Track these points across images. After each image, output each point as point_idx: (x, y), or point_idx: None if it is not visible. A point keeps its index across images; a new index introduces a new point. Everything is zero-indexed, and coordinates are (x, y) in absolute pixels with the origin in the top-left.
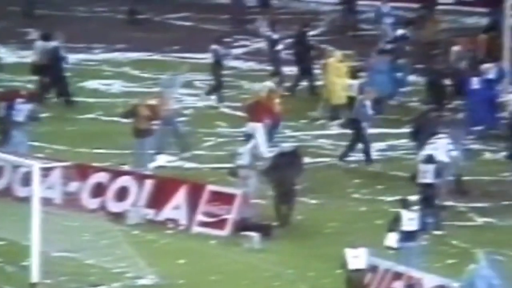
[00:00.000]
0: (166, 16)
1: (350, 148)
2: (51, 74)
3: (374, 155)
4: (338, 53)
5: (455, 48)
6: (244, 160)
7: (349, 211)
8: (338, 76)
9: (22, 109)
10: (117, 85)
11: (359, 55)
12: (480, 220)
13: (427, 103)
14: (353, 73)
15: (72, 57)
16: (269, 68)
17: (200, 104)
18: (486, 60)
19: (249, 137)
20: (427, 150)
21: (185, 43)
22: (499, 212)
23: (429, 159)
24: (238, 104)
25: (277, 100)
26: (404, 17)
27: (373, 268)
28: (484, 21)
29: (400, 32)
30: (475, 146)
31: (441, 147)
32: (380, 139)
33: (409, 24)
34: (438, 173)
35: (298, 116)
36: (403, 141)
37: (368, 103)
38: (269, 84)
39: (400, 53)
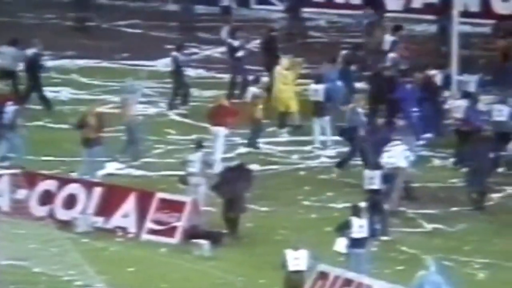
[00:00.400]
0: (114, 23)
1: (350, 156)
2: (30, 81)
3: (325, 162)
4: (285, 61)
5: (391, 55)
6: (194, 168)
7: (299, 218)
8: (285, 84)
9: (9, 112)
10: (65, 92)
11: (308, 62)
12: (429, 226)
13: (373, 111)
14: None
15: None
16: (219, 75)
17: (150, 111)
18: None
19: (199, 144)
20: (384, 158)
21: (134, 50)
22: (448, 218)
23: (376, 165)
24: (187, 112)
25: (260, 106)
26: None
27: (323, 275)
28: (432, 28)
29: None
30: (424, 153)
31: (397, 154)
32: (330, 146)
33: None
34: (388, 179)
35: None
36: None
37: (360, 110)
38: (253, 89)
39: (351, 60)
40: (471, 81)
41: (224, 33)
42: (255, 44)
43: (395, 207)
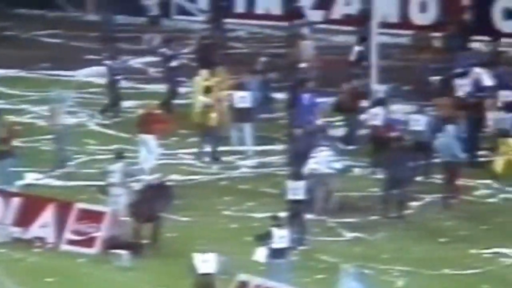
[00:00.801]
0: (34, 33)
1: None
2: None
3: (246, 172)
4: (204, 71)
5: (302, 65)
6: (114, 178)
7: (220, 228)
8: (203, 95)
9: None
10: None
11: (230, 73)
12: (349, 235)
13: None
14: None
15: None
16: (138, 86)
17: (70, 121)
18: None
19: (119, 155)
20: (309, 164)
21: (54, 60)
22: (368, 227)
23: (297, 175)
24: (107, 122)
25: (213, 115)
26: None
27: (243, 284)
28: (352, 39)
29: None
30: (344, 162)
31: (323, 160)
32: (251, 156)
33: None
34: (312, 188)
35: (170, 134)
36: (273, 158)
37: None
38: (203, 99)
39: (269, 69)
40: (383, 90)
41: (152, 42)
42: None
43: (321, 213)
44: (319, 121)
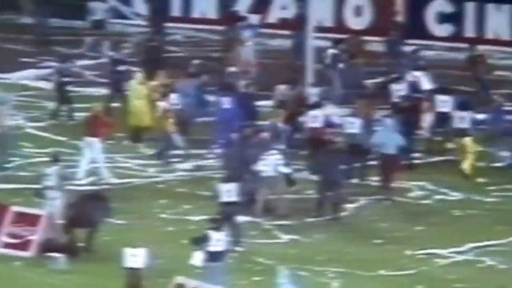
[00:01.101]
0: None
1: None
2: None
3: (182, 175)
4: (140, 75)
5: (231, 69)
6: (50, 181)
7: (156, 231)
8: (139, 98)
9: None
10: None
11: (167, 76)
12: (285, 237)
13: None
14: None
15: None
16: (76, 89)
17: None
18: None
19: (55, 158)
20: (259, 166)
21: None
22: (304, 229)
23: (229, 178)
24: (43, 125)
25: (171, 120)
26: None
27: (180, 287)
28: (288, 43)
29: None
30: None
31: (272, 162)
32: (186, 159)
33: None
34: (256, 191)
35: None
36: (210, 161)
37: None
38: (163, 104)
39: (203, 72)
40: (317, 93)
41: (103, 47)
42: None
43: (283, 211)
44: (267, 124)
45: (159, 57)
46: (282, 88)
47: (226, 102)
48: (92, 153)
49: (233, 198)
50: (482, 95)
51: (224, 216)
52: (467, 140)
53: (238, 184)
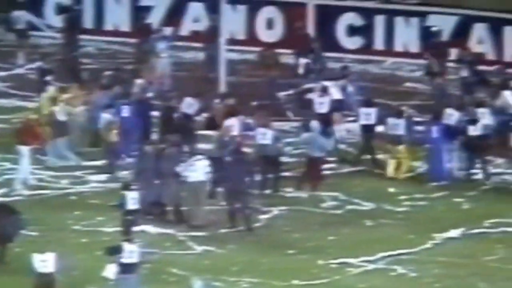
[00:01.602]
0: None
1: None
2: None
3: (95, 186)
4: (52, 87)
5: (138, 81)
6: None
7: (70, 242)
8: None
9: None
10: None
11: (80, 89)
12: (199, 248)
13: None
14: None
15: None
16: None
17: None
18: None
19: None
20: (187, 172)
21: None
22: (217, 240)
23: (126, 187)
24: None
25: (114, 131)
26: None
27: None
28: (200, 55)
29: None
30: None
31: (200, 168)
32: (100, 171)
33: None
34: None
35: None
36: (124, 172)
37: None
38: (106, 116)
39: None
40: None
41: (19, 58)
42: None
43: (202, 221)
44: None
45: (75, 70)
46: (188, 100)
47: (125, 111)
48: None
49: (135, 206)
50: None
51: (127, 223)
52: (401, 147)
53: (143, 193)
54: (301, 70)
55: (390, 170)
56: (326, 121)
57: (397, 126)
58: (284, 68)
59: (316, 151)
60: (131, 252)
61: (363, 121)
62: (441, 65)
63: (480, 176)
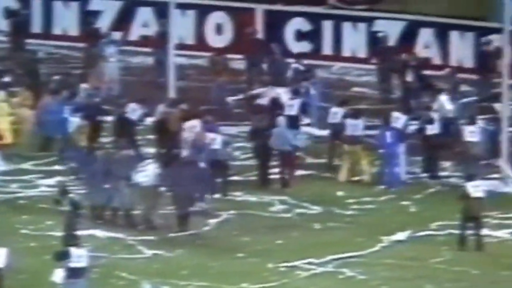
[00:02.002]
0: None
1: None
2: None
3: (45, 191)
4: (1, 93)
5: (83, 85)
6: None
7: (19, 247)
8: (1, 115)
9: None
10: None
11: (34, 93)
12: (148, 252)
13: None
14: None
15: None
16: None
17: None
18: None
19: None
20: (139, 177)
21: None
22: (167, 244)
23: (64, 192)
24: None
25: (84, 136)
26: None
27: None
28: (149, 60)
29: None
30: None
31: (150, 172)
32: (49, 175)
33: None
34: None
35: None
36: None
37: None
38: (76, 120)
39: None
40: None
41: None
42: None
43: (150, 225)
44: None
45: (33, 73)
46: (132, 105)
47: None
48: None
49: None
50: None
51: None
52: (358, 147)
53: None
54: (250, 75)
55: (342, 175)
56: (294, 123)
57: (356, 126)
58: (235, 73)
59: (286, 145)
60: (79, 257)
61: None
62: (390, 70)
63: (427, 178)
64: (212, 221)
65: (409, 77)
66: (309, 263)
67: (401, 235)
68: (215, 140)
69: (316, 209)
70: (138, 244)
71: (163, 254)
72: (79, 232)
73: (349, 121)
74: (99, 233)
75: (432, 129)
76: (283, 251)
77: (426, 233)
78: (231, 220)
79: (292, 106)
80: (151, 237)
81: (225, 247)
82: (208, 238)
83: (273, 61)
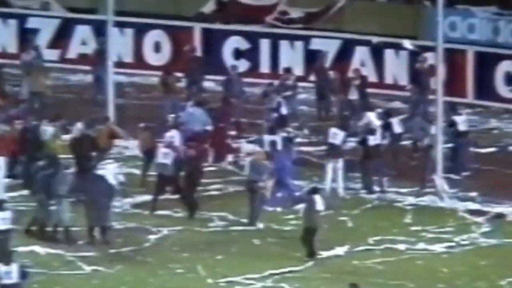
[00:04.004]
0: None
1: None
2: None
3: None
4: None
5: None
6: None
7: None
8: None
9: None
10: None
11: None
12: (88, 268)
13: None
14: None
15: None
16: None
17: None
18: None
19: None
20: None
21: None
22: (106, 260)
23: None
24: None
25: (60, 143)
26: None
27: None
28: (88, 78)
29: None
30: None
31: (110, 172)
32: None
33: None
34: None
35: None
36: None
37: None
38: (51, 129)
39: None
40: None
41: None
42: None
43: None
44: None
45: None
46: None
47: None
48: None
49: (7, 225)
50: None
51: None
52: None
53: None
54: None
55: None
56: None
57: (336, 136)
58: (175, 91)
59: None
60: (7, 273)
61: None
62: (327, 88)
63: (364, 193)
64: (152, 237)
65: (352, 95)
66: (248, 278)
67: (339, 250)
68: (167, 155)
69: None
70: (78, 260)
71: (102, 270)
72: (13, 249)
73: (332, 130)
74: (39, 249)
75: (375, 140)
76: (222, 266)
77: (364, 247)
78: (171, 236)
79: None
80: (91, 253)
81: (164, 263)
82: (148, 254)
83: (229, 80)
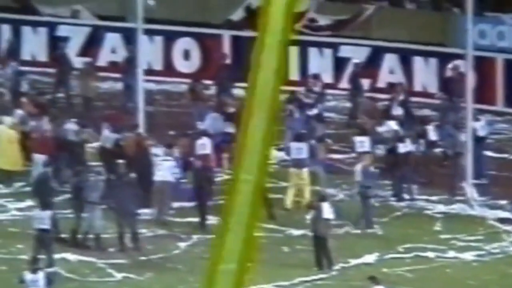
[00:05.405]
0: None
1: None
2: None
3: (16, 214)
4: None
5: (19, 111)
6: None
7: None
8: None
9: None
10: None
11: None
12: (119, 275)
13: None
14: None
15: None
16: None
17: None
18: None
19: None
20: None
21: None
22: (137, 267)
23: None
24: None
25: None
26: None
27: None
28: (118, 85)
29: None
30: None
31: (166, 168)
32: (19, 199)
33: None
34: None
35: None
36: None
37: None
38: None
39: None
40: None
41: None
42: None
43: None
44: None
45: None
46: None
47: None
48: None
49: (46, 225)
50: None
51: (38, 243)
52: (304, 172)
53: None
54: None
55: (288, 201)
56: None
57: (300, 150)
58: (206, 99)
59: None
60: (33, 281)
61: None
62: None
63: (394, 200)
64: (182, 244)
65: (396, 111)
66: (278, 286)
67: (368, 258)
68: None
69: (285, 231)
70: (108, 267)
71: (133, 277)
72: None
73: (294, 144)
74: (70, 256)
75: (405, 147)
76: (252, 273)
77: (393, 255)
78: (201, 243)
79: None
80: (122, 261)
81: (194, 270)
82: (177, 261)
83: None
